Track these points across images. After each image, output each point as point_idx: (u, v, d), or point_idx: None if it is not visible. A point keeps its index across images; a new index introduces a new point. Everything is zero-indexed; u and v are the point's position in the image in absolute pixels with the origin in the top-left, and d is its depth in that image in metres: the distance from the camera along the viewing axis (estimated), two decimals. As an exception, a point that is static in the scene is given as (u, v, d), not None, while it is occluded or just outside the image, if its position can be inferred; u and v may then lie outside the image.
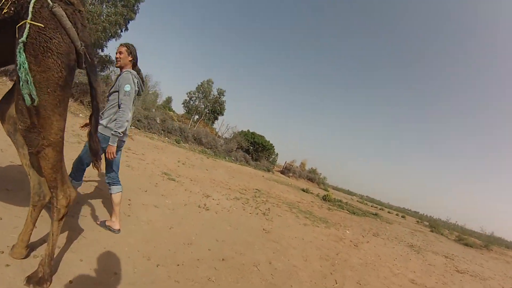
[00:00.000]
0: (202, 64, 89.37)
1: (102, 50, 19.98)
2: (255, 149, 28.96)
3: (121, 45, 2.99)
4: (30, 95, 1.63)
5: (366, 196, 57.61)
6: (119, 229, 3.06)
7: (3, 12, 1.58)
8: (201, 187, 6.93)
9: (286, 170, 31.95)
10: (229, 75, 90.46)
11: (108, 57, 20.15)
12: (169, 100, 38.30)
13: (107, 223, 3.05)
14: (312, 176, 34.24)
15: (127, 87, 2.82)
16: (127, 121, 2.81)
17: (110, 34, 17.78)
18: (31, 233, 2.12)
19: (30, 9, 1.60)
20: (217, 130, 32.63)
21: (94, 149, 2.22)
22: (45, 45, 1.64)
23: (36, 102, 1.65)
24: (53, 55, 1.67)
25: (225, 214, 5.33)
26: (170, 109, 32.81)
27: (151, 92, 30.29)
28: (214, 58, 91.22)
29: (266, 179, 16.57)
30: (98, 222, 3.09)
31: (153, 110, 21.41)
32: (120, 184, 3.12)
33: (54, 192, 1.94)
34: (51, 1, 1.67)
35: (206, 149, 20.56)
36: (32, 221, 2.09)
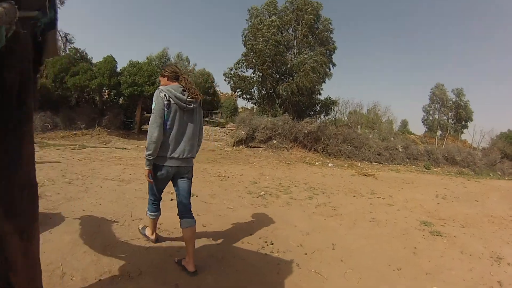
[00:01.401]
0: (421, 66, 77.40)
1: (320, 94, 20.61)
2: (526, 152, 22.21)
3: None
4: None
5: None
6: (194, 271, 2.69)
7: None
8: (482, 238, 4.73)
9: None
10: (465, 70, 72.96)
11: (329, 99, 20.51)
12: (405, 123, 35.54)
13: (182, 262, 2.79)
14: None
15: (153, 105, 2.65)
16: (153, 142, 2.58)
17: (320, 75, 18.10)
18: None
19: None
20: (470, 142, 26.95)
21: None
22: None
23: None
24: None
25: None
26: (410, 132, 30.02)
27: (384, 120, 28.88)
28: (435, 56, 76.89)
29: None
30: (175, 260, 2.87)
31: (392, 138, 19.87)
32: (190, 217, 2.88)
33: None
34: None
35: (463, 169, 16.86)
36: None
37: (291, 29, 19.96)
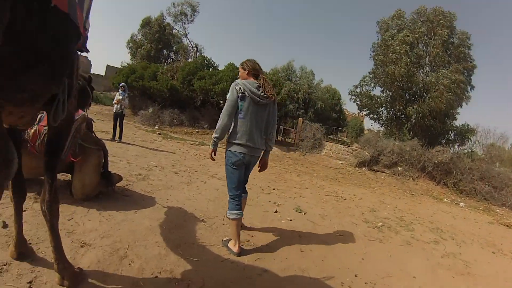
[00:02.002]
0: None
1: (455, 119, 17.84)
2: None
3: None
4: None
5: None
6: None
7: None
8: None
9: None
10: None
11: (466, 126, 17.53)
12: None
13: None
14: None
15: (228, 95, 2.90)
16: (222, 127, 2.86)
17: (456, 96, 15.61)
18: None
19: None
20: None
21: None
22: None
23: None
24: None
25: None
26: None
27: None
28: None
29: None
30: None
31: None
32: (236, 210, 2.92)
33: None
34: None
35: None
36: None
37: (422, 44, 17.84)
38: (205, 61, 20.32)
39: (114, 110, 9.58)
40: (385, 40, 17.36)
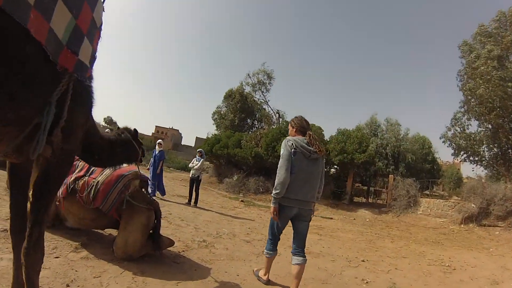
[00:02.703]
0: None
1: None
2: None
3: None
4: None
5: None
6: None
7: None
8: None
9: None
10: None
11: None
12: None
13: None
14: None
15: (281, 151, 3.07)
16: (281, 183, 2.92)
17: None
18: None
19: None
20: None
21: None
22: None
23: None
24: None
25: None
26: None
27: None
28: None
29: None
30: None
31: None
32: (301, 255, 3.11)
33: None
34: None
35: None
36: None
37: (512, 55, 14.92)
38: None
39: (190, 175, 9.78)
40: (470, 63, 15.18)
